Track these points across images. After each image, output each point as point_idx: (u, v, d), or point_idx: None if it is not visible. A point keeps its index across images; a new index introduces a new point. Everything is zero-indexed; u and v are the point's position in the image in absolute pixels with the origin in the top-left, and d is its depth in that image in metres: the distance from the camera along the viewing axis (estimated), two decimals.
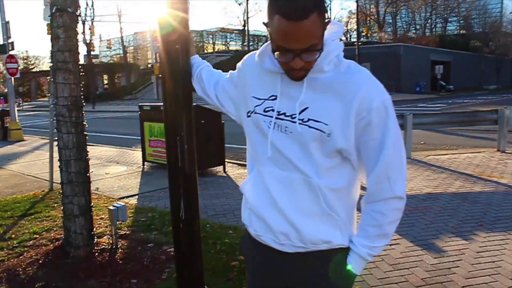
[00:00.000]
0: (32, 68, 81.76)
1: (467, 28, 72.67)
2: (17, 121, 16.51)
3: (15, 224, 5.41)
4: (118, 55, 75.40)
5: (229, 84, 1.81)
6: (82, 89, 4.08)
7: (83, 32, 49.06)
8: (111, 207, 4.24)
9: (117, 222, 4.37)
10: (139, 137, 9.37)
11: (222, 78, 1.89)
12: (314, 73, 1.45)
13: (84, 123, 4.09)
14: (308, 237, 1.51)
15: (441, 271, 3.79)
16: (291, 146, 1.48)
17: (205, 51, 72.33)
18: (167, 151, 2.16)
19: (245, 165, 1.60)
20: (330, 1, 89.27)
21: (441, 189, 6.50)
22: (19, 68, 16.45)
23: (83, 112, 4.14)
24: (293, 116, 1.46)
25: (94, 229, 4.44)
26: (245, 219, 1.69)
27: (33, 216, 5.70)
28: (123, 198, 6.64)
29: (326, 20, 1.41)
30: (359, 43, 42.25)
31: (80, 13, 4.01)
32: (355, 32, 53.07)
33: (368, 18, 76.22)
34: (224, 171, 8.27)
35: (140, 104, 9.51)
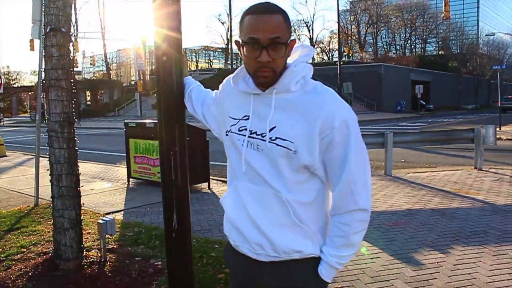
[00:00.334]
0: (13, 84, 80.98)
1: (445, 49, 74.58)
2: None
3: (1, 238, 5.43)
4: (101, 72, 75.25)
5: (213, 104, 1.98)
6: (74, 106, 4.20)
7: None
8: (100, 221, 4.33)
9: (105, 236, 4.45)
10: (124, 154, 9.44)
11: (208, 97, 2.07)
12: (282, 94, 1.58)
13: (76, 138, 4.21)
14: (280, 247, 1.63)
15: (419, 283, 3.95)
16: (262, 162, 1.61)
17: (189, 69, 72.45)
18: (161, 165, 2.30)
19: None
20: (312, 22, 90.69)
21: (420, 205, 6.71)
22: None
23: (75, 128, 4.25)
24: (263, 135, 1.59)
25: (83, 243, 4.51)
26: (226, 231, 1.82)
27: (19, 231, 5.73)
28: (109, 213, 6.69)
29: (292, 39, 1.58)
30: (341, 63, 42.98)
31: (72, 33, 4.15)
32: (337, 52, 53.89)
33: (350, 38, 77.64)
34: (209, 188, 8.38)
35: (125, 121, 9.60)
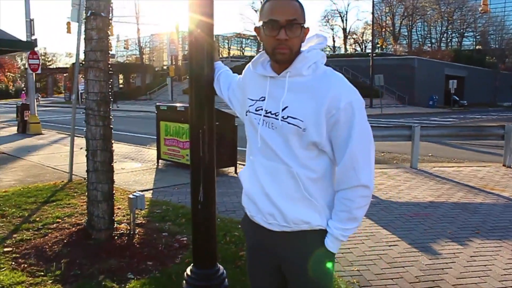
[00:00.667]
0: (49, 65, 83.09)
1: (483, 44, 72.42)
2: (36, 115, 17.01)
3: (38, 209, 5.78)
4: (134, 56, 76.30)
5: (237, 87, 2.17)
6: (110, 86, 4.44)
7: None
8: (131, 196, 4.59)
9: (135, 211, 4.70)
10: (153, 136, 9.72)
11: (233, 81, 2.26)
12: (295, 77, 1.75)
13: (111, 117, 4.46)
14: (290, 218, 1.79)
15: (434, 271, 4.06)
16: (276, 139, 1.78)
17: (221, 56, 72.91)
18: (191, 142, 2.48)
19: None
20: (347, 12, 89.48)
21: (443, 199, 6.75)
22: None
23: (110, 107, 4.50)
24: (277, 114, 1.76)
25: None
26: (243, 202, 2.00)
27: (54, 203, 6.07)
28: (138, 191, 6.97)
29: (306, 26, 1.76)
30: (374, 55, 42.46)
31: (112, 18, 4.37)
32: (370, 44, 53.21)
33: (384, 30, 76.36)
34: (236, 172, 8.59)
35: (157, 104, 9.89)
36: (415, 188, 7.46)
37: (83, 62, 4.41)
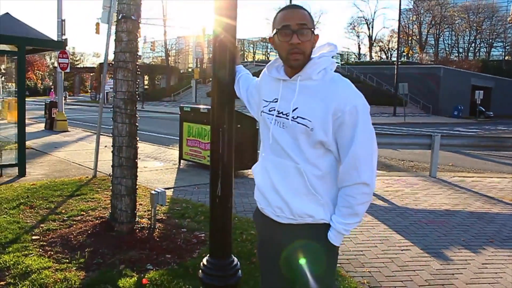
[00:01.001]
0: (77, 64, 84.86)
1: None
2: (63, 113, 17.48)
3: (64, 202, 6.04)
4: (160, 57, 77.37)
5: (254, 90, 2.34)
6: (137, 86, 4.65)
7: None
8: (152, 192, 4.80)
9: (156, 206, 4.90)
10: (176, 137, 9.96)
11: (252, 84, 2.43)
12: (305, 81, 1.91)
13: (137, 115, 4.67)
14: (296, 211, 1.95)
15: (444, 276, 4.14)
16: (286, 138, 1.94)
17: (245, 60, 73.38)
18: (211, 140, 2.64)
19: None
20: (373, 19, 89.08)
21: (460, 207, 6.78)
22: None
23: (136, 106, 4.72)
24: (287, 114, 1.93)
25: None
26: (255, 196, 2.18)
27: (79, 197, 6.33)
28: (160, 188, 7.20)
29: (316, 33, 1.94)
30: (399, 63, 42.21)
31: (141, 21, 4.59)
32: (395, 52, 52.80)
33: (410, 38, 75.74)
34: None
35: (181, 105, 10.11)
36: (432, 196, 7.49)
37: (112, 63, 4.63)
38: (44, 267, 3.79)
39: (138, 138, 4.79)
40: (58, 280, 3.57)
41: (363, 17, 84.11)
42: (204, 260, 2.68)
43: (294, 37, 1.87)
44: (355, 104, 1.86)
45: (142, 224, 4.91)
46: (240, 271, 2.70)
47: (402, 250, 4.79)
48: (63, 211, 5.56)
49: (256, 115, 2.26)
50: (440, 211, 6.53)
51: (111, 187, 4.78)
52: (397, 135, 10.31)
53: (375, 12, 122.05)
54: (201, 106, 9.68)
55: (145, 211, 5.59)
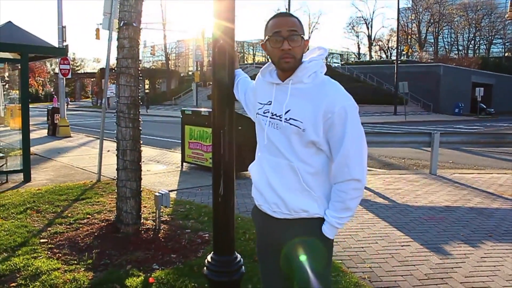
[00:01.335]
0: (77, 70, 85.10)
1: None
2: (66, 118, 17.62)
3: (69, 206, 6.15)
4: (160, 61, 77.54)
5: (251, 93, 2.45)
6: (140, 91, 4.77)
7: None
8: (156, 193, 4.90)
9: (161, 208, 5.00)
10: (178, 140, 10.04)
11: (249, 87, 2.55)
12: (296, 84, 2.02)
13: (140, 119, 4.78)
14: (291, 207, 2.06)
15: (443, 270, 4.24)
16: (280, 138, 2.06)
17: (245, 62, 73.49)
18: (213, 141, 2.75)
19: None
20: (372, 19, 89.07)
21: (459, 203, 6.87)
22: None
23: (139, 111, 4.83)
24: (280, 116, 2.05)
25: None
26: (252, 193, 2.29)
27: (84, 201, 6.44)
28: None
29: (306, 38, 2.05)
30: (399, 62, 42.28)
31: (142, 27, 4.71)
32: (395, 51, 52.89)
33: (409, 37, 75.81)
34: None
35: (182, 108, 10.22)
36: (433, 193, 7.58)
37: (115, 68, 4.75)
38: (53, 269, 3.90)
39: (141, 142, 4.90)
40: (68, 281, 3.68)
41: (362, 17, 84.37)
42: (209, 257, 2.79)
43: (285, 43, 1.98)
44: (343, 105, 1.96)
45: (147, 225, 5.02)
46: (243, 267, 2.81)
47: (402, 246, 4.89)
48: (69, 214, 5.67)
49: (252, 117, 2.38)
50: (440, 207, 6.62)
51: (115, 190, 4.89)
52: (397, 133, 10.40)
53: (373, 12, 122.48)
54: (202, 109, 9.79)
55: (149, 213, 5.70)
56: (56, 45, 16.22)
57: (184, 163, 9.81)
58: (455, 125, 31.15)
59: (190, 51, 69.37)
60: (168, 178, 8.63)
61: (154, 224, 5.03)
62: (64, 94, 18.21)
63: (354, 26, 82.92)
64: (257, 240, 2.36)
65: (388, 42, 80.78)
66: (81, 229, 5.00)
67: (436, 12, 72.23)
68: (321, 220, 2.07)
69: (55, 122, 17.38)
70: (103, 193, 7.00)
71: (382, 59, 75.88)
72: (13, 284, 3.64)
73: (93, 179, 8.22)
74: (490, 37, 74.90)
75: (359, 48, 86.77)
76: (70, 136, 16.87)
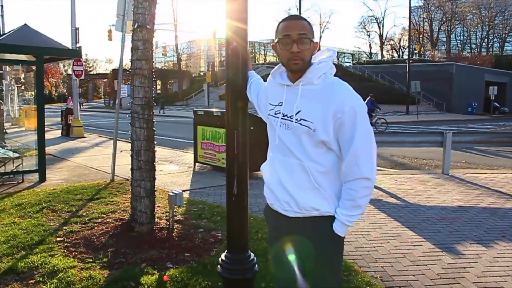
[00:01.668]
0: (90, 71, 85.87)
1: None
2: (79, 119, 17.81)
3: (84, 205, 6.25)
4: (172, 62, 77.88)
5: (263, 94, 2.50)
6: (153, 92, 4.84)
7: None
8: (170, 193, 4.97)
9: (174, 207, 5.07)
10: (190, 141, 10.12)
11: (261, 89, 2.59)
12: (307, 85, 2.07)
13: (154, 120, 4.85)
14: (302, 205, 2.11)
15: (456, 269, 4.24)
16: (291, 138, 2.11)
17: (257, 62, 73.57)
18: (227, 141, 2.80)
19: None
20: (383, 18, 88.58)
21: (472, 203, 6.84)
22: None
23: (153, 111, 4.90)
24: (291, 117, 2.10)
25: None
26: (264, 192, 2.35)
27: (99, 200, 6.54)
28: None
29: (315, 41, 2.09)
30: (411, 61, 42.01)
31: (155, 30, 4.77)
32: (407, 50, 52.53)
33: (421, 36, 75.28)
34: None
35: (194, 109, 10.30)
36: (445, 193, 7.56)
37: (128, 70, 4.82)
38: (70, 266, 3.99)
39: (155, 142, 4.97)
40: (84, 278, 3.76)
41: (373, 16, 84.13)
42: (223, 256, 2.83)
43: (294, 46, 2.03)
44: (352, 105, 2.01)
45: (161, 224, 5.09)
46: (256, 265, 2.85)
47: (414, 245, 4.90)
48: (84, 214, 5.77)
49: (264, 118, 2.43)
50: (453, 207, 6.61)
51: (129, 190, 4.97)
52: (409, 133, 10.38)
53: (385, 11, 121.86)
54: (214, 110, 9.84)
55: (163, 213, 5.77)
56: (70, 46, 16.44)
57: (197, 163, 9.88)
58: (468, 124, 30.88)
59: (202, 51, 69.72)
60: (181, 178, 8.70)
61: (168, 223, 5.10)
62: (78, 95, 18.40)
63: (365, 25, 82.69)
64: (270, 239, 2.41)
65: (400, 41, 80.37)
66: (96, 228, 5.08)
67: (448, 10, 71.64)
68: (332, 218, 2.11)
69: (69, 122, 17.59)
70: (117, 193, 7.09)
71: (394, 58, 75.43)
72: (31, 281, 3.73)
73: (107, 179, 8.32)
74: (504, 35, 74.06)
75: (370, 48, 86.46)
76: (84, 137, 17.06)
